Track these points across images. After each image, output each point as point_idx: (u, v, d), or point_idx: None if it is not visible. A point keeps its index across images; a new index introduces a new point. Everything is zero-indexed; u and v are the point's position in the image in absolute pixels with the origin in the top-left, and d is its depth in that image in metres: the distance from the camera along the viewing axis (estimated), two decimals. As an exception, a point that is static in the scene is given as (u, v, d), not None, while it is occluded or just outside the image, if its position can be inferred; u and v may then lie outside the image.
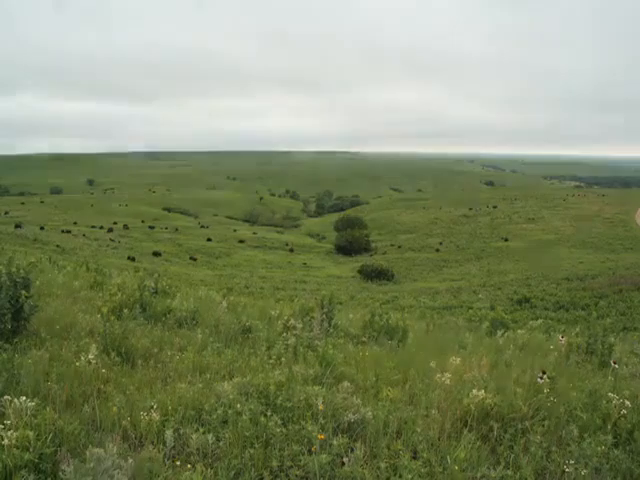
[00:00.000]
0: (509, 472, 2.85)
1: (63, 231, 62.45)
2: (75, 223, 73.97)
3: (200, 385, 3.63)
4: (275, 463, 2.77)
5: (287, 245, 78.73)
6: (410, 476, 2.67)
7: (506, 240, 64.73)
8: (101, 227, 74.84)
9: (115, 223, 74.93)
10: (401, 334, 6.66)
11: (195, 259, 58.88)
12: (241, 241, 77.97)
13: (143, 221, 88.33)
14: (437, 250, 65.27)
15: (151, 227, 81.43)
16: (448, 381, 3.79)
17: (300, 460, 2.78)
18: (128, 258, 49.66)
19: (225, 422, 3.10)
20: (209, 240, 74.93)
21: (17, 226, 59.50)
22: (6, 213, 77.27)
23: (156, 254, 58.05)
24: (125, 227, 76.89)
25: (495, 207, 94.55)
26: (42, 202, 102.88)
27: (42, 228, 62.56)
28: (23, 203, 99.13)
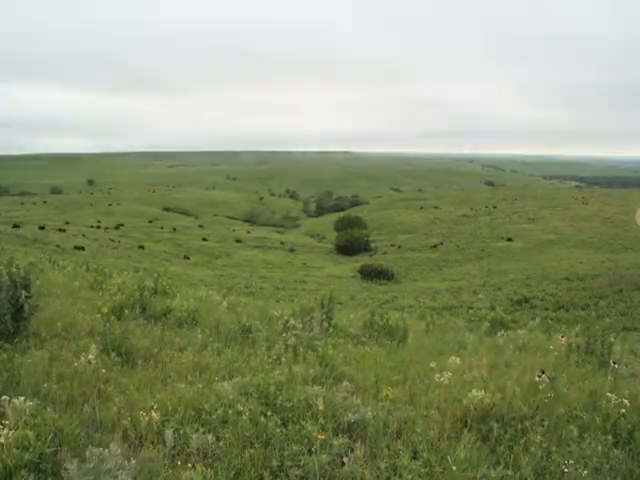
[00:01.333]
0: (509, 472, 2.85)
1: (42, 228, 62.33)
2: (67, 223, 73.56)
3: (200, 385, 3.63)
4: (275, 463, 2.76)
5: (287, 245, 78.74)
6: (410, 476, 2.67)
7: (509, 240, 64.67)
8: (98, 227, 74.78)
9: (107, 229, 74.82)
10: (401, 334, 6.66)
11: (188, 257, 59.13)
12: (238, 240, 77.98)
13: (151, 221, 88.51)
14: (434, 246, 65.27)
15: (151, 227, 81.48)
16: (448, 381, 3.79)
17: (300, 460, 2.78)
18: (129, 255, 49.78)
19: (225, 422, 3.10)
20: (205, 240, 74.97)
21: (15, 226, 59.50)
22: (8, 215, 77.11)
23: (141, 247, 59.44)
24: (119, 227, 76.80)
25: (495, 207, 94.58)
26: (45, 202, 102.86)
27: (42, 228, 62.53)
28: (23, 203, 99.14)
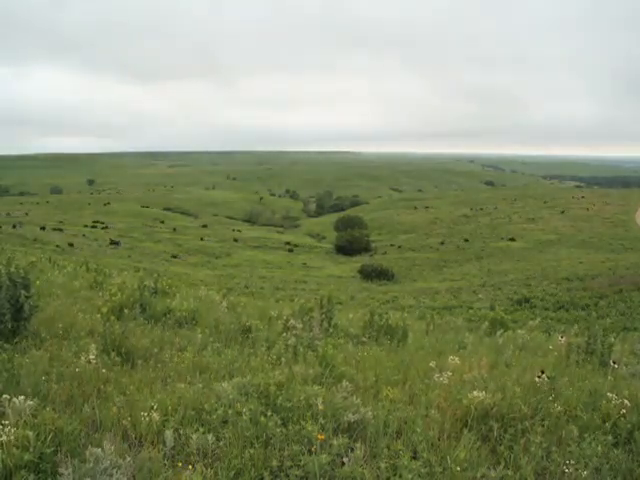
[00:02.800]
0: (509, 472, 2.85)
1: (43, 228, 62.47)
2: (67, 223, 73.62)
3: (200, 385, 3.63)
4: (275, 463, 2.76)
5: (287, 245, 78.74)
6: (410, 476, 2.67)
7: (511, 240, 64.64)
8: (93, 226, 74.78)
9: (106, 228, 74.91)
10: (401, 334, 6.66)
11: (175, 257, 59.37)
12: (235, 240, 78.07)
13: (163, 221, 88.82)
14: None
15: (151, 227, 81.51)
16: (448, 381, 3.79)
17: (300, 460, 2.78)
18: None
19: (225, 422, 3.10)
20: (203, 239, 75.13)
21: (15, 226, 59.56)
22: (8, 214, 77.13)
23: (114, 242, 60.52)
24: (106, 227, 76.79)
25: (495, 207, 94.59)
26: (47, 202, 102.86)
27: (43, 228, 62.56)
28: (22, 203, 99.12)
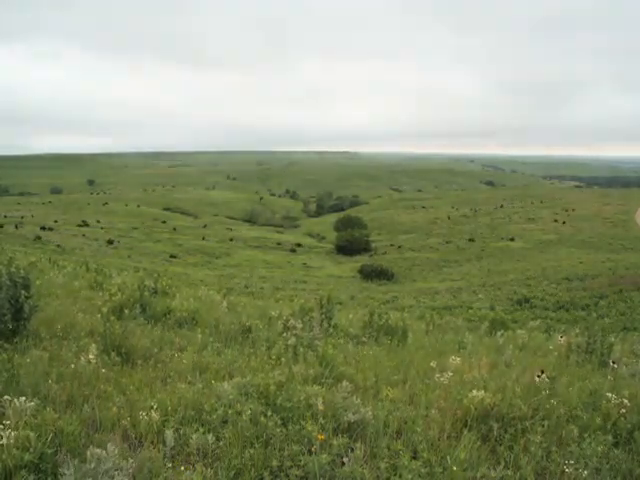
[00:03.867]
0: (509, 472, 2.85)
1: (43, 228, 62.48)
2: (67, 223, 73.61)
3: (200, 385, 3.63)
4: (275, 463, 2.76)
5: (287, 245, 78.75)
6: (410, 476, 2.67)
7: (511, 240, 64.65)
8: (92, 226, 74.78)
9: (103, 227, 75.04)
10: (401, 334, 6.67)
11: (175, 257, 59.46)
12: (230, 239, 78.18)
13: (164, 222, 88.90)
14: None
15: (151, 227, 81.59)
16: (448, 381, 3.79)
17: (300, 460, 2.78)
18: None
19: (225, 422, 3.10)
20: (204, 239, 75.20)
21: (15, 226, 59.62)
22: (5, 216, 77.13)
23: (110, 242, 60.68)
24: (119, 226, 76.83)
25: (495, 207, 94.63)
26: (50, 202, 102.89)
27: (43, 228, 62.57)
28: (19, 203, 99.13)
